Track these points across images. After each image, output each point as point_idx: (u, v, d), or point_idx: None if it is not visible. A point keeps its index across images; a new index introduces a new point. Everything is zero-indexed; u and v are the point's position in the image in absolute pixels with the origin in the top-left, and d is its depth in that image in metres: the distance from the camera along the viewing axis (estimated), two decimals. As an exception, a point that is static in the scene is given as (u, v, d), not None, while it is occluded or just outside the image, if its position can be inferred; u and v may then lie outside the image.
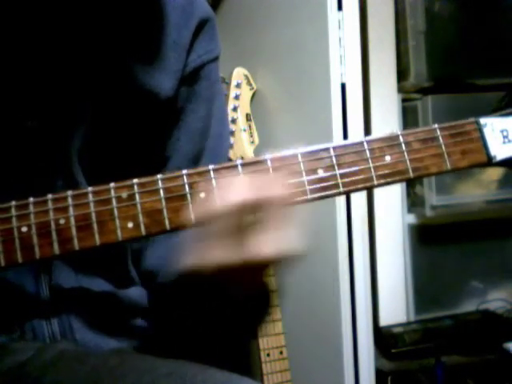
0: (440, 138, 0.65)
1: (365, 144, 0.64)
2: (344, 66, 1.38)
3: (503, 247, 1.78)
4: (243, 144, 1.52)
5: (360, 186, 0.63)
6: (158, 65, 0.78)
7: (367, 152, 0.64)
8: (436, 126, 0.65)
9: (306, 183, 0.62)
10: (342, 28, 1.37)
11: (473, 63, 1.66)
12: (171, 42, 0.79)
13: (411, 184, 1.67)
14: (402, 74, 1.63)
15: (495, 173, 1.66)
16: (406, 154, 0.64)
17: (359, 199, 1.39)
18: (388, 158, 0.64)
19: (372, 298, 1.45)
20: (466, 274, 1.75)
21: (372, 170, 0.64)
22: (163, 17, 0.79)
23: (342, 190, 0.63)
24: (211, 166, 0.62)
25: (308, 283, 1.51)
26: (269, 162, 0.62)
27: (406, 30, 1.62)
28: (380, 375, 1.47)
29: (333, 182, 0.63)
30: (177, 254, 0.62)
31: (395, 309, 1.66)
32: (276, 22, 1.57)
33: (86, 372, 0.66)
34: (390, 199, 1.64)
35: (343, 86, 1.38)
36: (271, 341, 1.45)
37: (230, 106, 1.53)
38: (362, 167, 0.63)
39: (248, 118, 1.55)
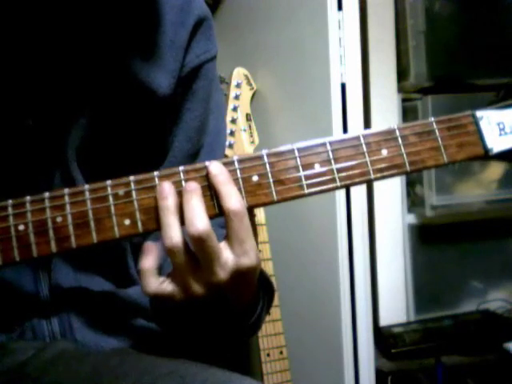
0: (436, 132, 0.65)
1: (361, 138, 0.64)
2: (344, 66, 1.37)
3: (503, 247, 1.78)
4: (243, 144, 1.52)
5: (357, 180, 0.63)
6: (155, 63, 0.78)
7: (364, 146, 0.63)
8: (432, 119, 0.65)
9: (303, 178, 0.62)
10: (342, 28, 1.37)
11: (473, 63, 1.66)
12: (168, 40, 0.79)
13: (411, 184, 1.67)
14: (402, 74, 1.63)
15: (495, 172, 1.66)
16: (402, 147, 0.64)
17: (359, 199, 1.39)
18: (385, 152, 0.64)
19: (372, 298, 1.44)
20: (466, 274, 1.75)
21: (369, 163, 0.63)
22: (160, 15, 0.79)
23: (339, 184, 0.63)
24: (208, 163, 0.62)
25: (308, 283, 1.51)
26: (265, 158, 0.62)
27: (405, 30, 1.62)
28: (380, 375, 1.46)
29: (330, 177, 0.62)
30: None
31: (395, 309, 1.65)
32: (276, 22, 1.57)
33: (86, 372, 0.65)
34: (390, 199, 1.64)
35: (343, 86, 1.38)
36: (271, 341, 1.45)
37: (230, 105, 1.53)
38: (359, 161, 0.63)
39: (248, 117, 1.54)
